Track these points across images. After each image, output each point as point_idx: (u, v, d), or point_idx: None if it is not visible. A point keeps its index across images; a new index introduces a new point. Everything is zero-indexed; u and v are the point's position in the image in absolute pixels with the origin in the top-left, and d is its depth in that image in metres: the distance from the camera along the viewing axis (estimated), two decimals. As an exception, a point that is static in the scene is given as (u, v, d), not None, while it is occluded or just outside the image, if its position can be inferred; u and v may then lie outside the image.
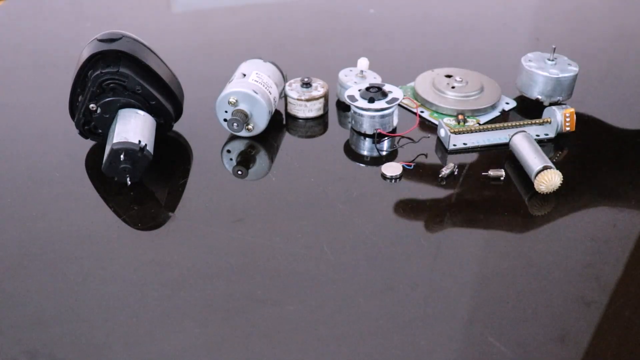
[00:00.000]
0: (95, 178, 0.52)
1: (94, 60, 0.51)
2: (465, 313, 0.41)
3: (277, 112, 0.60)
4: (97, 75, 0.50)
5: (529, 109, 0.61)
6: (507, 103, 0.61)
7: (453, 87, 0.60)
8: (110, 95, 0.51)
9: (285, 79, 0.60)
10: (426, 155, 0.55)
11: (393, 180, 0.52)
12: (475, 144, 0.55)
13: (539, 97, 0.59)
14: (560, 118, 0.55)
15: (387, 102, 0.56)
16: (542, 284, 0.43)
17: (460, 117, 0.58)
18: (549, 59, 0.59)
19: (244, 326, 0.40)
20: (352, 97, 0.56)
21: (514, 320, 0.41)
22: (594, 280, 0.44)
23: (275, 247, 0.46)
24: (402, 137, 0.57)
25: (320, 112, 0.60)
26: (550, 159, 0.51)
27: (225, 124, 0.56)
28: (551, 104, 0.58)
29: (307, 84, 0.59)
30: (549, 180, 0.49)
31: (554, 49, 0.59)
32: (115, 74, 0.51)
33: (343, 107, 0.62)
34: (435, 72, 0.63)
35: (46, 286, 0.43)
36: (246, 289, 0.43)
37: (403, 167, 0.53)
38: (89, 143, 0.55)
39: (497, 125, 0.56)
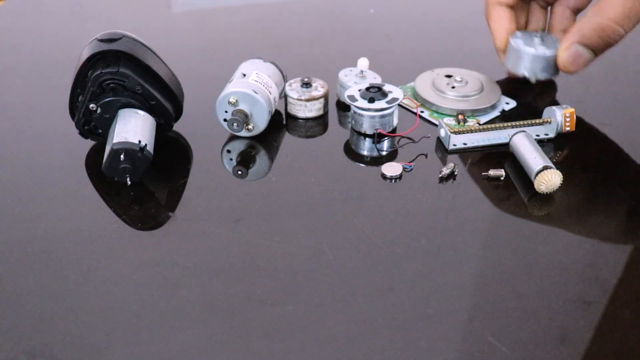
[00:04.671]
0: (95, 178, 0.53)
1: (94, 60, 0.51)
2: (465, 313, 0.41)
3: (277, 112, 0.60)
4: (97, 75, 0.50)
5: (529, 109, 0.61)
6: (507, 103, 0.61)
7: (453, 87, 0.60)
8: (110, 95, 0.51)
9: (285, 79, 0.60)
10: (426, 156, 0.55)
11: (393, 180, 0.52)
12: (475, 144, 0.55)
13: (525, 73, 0.58)
14: (560, 118, 0.55)
15: (387, 102, 0.56)
16: (542, 284, 0.43)
17: (460, 117, 0.58)
18: (536, 36, 0.59)
19: (244, 326, 0.40)
20: (352, 97, 0.56)
21: (514, 320, 0.41)
22: (594, 280, 0.44)
23: (275, 247, 0.46)
24: (402, 137, 0.57)
25: (320, 112, 0.60)
26: (550, 159, 0.51)
27: (225, 124, 0.56)
28: (538, 82, 0.58)
29: (307, 84, 0.59)
30: (549, 180, 0.49)
31: (543, 28, 0.59)
32: (115, 74, 0.51)
33: (343, 107, 0.62)
34: (435, 72, 0.63)
35: (46, 286, 0.43)
36: (246, 289, 0.43)
37: (403, 167, 0.53)
38: (89, 143, 0.55)
39: (497, 125, 0.56)
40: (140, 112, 0.52)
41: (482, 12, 0.63)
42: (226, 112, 0.55)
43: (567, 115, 0.55)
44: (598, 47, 0.53)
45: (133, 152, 0.49)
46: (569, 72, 0.56)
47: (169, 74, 0.54)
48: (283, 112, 0.61)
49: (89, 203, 0.50)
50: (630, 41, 0.57)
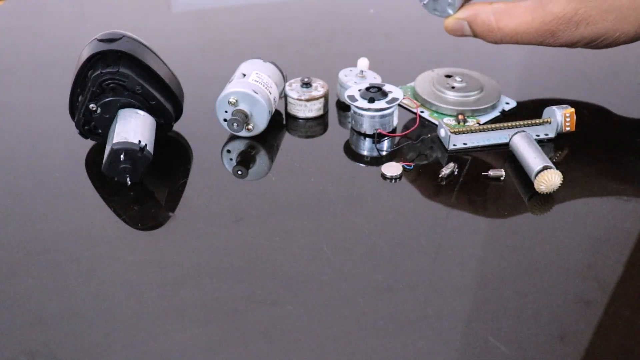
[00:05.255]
0: (95, 178, 0.53)
1: (94, 60, 0.51)
2: (465, 313, 0.41)
3: (277, 112, 0.60)
4: (97, 75, 0.50)
5: (529, 109, 0.61)
6: (507, 103, 0.61)
7: (453, 87, 0.60)
8: (110, 95, 0.51)
9: (285, 79, 0.60)
10: (426, 156, 0.55)
11: (393, 180, 0.52)
12: (475, 144, 0.55)
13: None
14: (560, 118, 0.55)
15: (387, 102, 0.56)
16: (542, 284, 0.43)
17: (460, 117, 0.58)
18: None
19: (244, 326, 0.40)
20: (352, 97, 0.56)
21: (514, 320, 0.41)
22: (594, 280, 0.44)
23: (275, 247, 0.46)
24: (402, 137, 0.57)
25: (320, 112, 0.60)
26: (550, 159, 0.51)
27: (225, 124, 0.56)
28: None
29: (307, 84, 0.59)
30: (549, 180, 0.49)
31: None
32: (115, 74, 0.51)
33: (343, 107, 0.62)
34: (435, 72, 0.63)
35: (46, 286, 0.43)
36: (246, 289, 0.43)
37: (403, 167, 0.53)
38: (89, 143, 0.55)
39: (497, 125, 0.56)
40: (140, 112, 0.52)
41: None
42: (226, 112, 0.55)
43: (567, 115, 0.55)
44: (478, 36, 0.57)
45: (133, 152, 0.49)
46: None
47: (169, 74, 0.54)
48: (283, 112, 0.61)
49: (89, 203, 0.50)
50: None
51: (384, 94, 0.56)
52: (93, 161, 0.54)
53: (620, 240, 0.47)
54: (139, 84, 0.51)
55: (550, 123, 0.56)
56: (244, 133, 0.56)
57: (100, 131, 0.53)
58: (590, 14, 0.54)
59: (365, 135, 0.57)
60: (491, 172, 0.52)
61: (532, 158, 0.51)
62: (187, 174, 0.53)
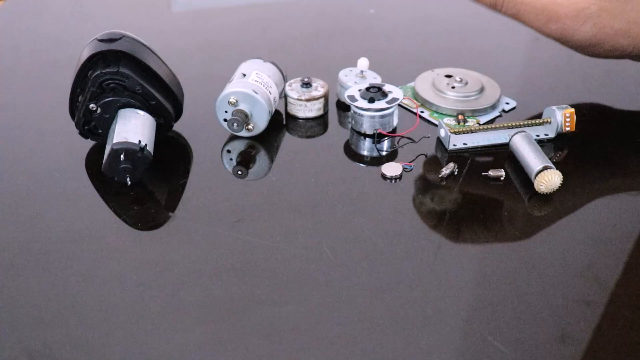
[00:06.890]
0: (95, 178, 0.53)
1: (94, 60, 0.51)
2: (465, 313, 0.41)
3: (277, 112, 0.60)
4: (97, 75, 0.50)
5: (529, 109, 0.61)
6: (507, 103, 0.61)
7: (453, 87, 0.60)
8: (110, 95, 0.51)
9: (285, 79, 0.60)
10: (426, 156, 0.55)
11: (393, 180, 0.52)
12: (475, 144, 0.55)
13: None
14: (560, 118, 0.55)
15: (387, 102, 0.56)
16: (542, 284, 0.43)
17: (460, 117, 0.58)
18: None
19: (244, 326, 0.40)
20: (352, 97, 0.56)
21: (514, 320, 0.41)
22: (594, 280, 0.44)
23: (275, 247, 0.46)
24: (402, 137, 0.57)
25: (320, 112, 0.60)
26: (550, 159, 0.51)
27: (225, 124, 0.56)
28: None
29: (307, 84, 0.59)
30: (549, 180, 0.49)
31: None
32: (116, 74, 0.51)
33: (343, 107, 0.62)
34: (435, 72, 0.63)
35: (46, 286, 0.43)
36: (246, 289, 0.43)
37: (403, 167, 0.53)
38: (89, 143, 0.55)
39: (497, 125, 0.56)
40: (140, 112, 0.52)
41: (482, 12, 0.63)
42: (226, 112, 0.55)
43: (567, 115, 0.55)
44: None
45: (133, 152, 0.49)
46: None
47: (169, 74, 0.54)
48: (283, 112, 0.61)
49: (89, 203, 0.50)
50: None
51: (384, 94, 0.56)
52: (93, 161, 0.54)
53: (620, 240, 0.47)
54: (139, 84, 0.51)
55: (550, 123, 0.56)
56: (244, 133, 0.56)
57: (100, 131, 0.53)
58: (600, 15, 0.54)
59: (365, 135, 0.57)
60: (491, 172, 0.52)
61: (532, 158, 0.51)
62: (187, 174, 0.53)
